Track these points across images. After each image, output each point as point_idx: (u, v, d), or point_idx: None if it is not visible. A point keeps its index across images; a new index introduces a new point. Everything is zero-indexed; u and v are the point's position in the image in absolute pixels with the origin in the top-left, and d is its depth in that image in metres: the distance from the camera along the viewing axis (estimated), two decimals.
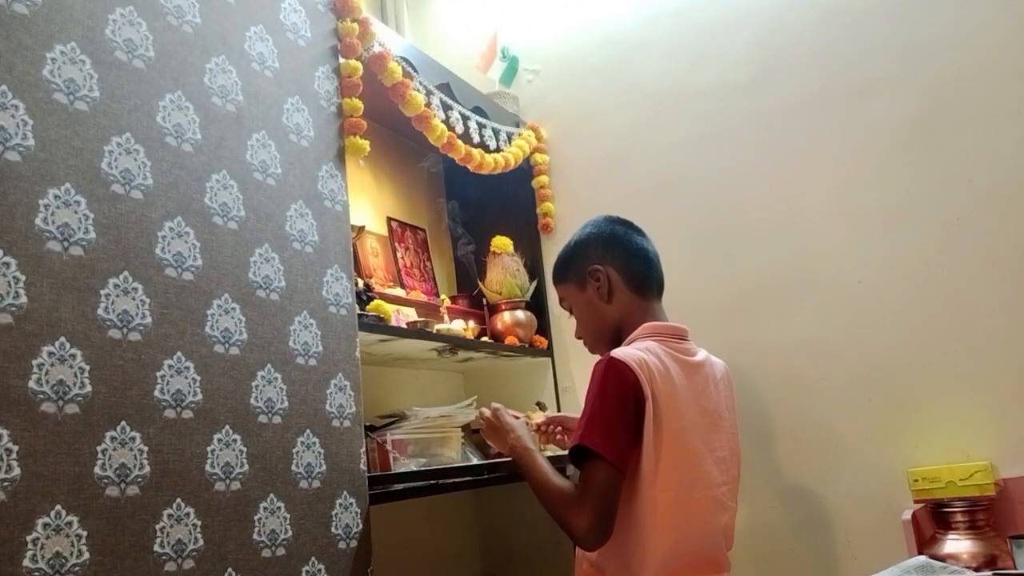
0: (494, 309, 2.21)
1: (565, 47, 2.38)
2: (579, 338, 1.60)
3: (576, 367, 2.25)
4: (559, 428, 1.77)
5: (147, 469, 1.13)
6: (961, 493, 1.60)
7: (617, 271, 1.51)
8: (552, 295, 2.29)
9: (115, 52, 1.21)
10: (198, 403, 1.22)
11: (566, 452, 1.44)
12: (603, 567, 1.38)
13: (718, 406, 1.47)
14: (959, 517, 1.57)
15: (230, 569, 1.22)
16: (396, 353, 1.93)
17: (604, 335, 1.53)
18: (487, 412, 1.61)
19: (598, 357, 1.42)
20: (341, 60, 1.66)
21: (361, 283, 1.75)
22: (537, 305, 2.26)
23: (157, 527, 1.13)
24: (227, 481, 1.24)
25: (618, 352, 1.36)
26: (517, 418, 1.61)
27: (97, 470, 1.07)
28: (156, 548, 1.12)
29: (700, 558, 1.38)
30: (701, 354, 1.50)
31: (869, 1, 1.90)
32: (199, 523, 1.19)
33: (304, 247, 1.48)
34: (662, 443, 1.33)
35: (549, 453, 2.04)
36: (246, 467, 1.27)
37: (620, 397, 1.32)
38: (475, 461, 1.78)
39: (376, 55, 1.74)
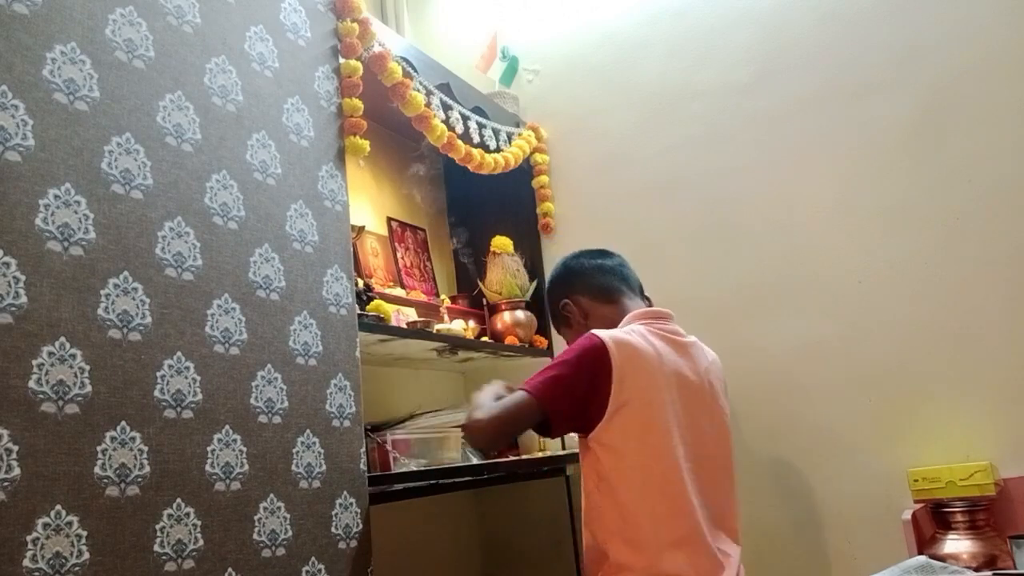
0: (494, 309, 2.21)
1: (565, 47, 2.38)
2: None
3: None
4: None
5: (147, 469, 1.13)
6: (961, 493, 1.60)
7: (583, 295, 1.60)
8: None
9: (115, 52, 1.21)
10: (198, 403, 1.22)
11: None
12: (606, 549, 1.38)
13: (708, 383, 1.50)
14: (959, 517, 1.58)
15: (230, 569, 1.22)
16: (396, 353, 1.92)
17: None
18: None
19: None
20: (341, 60, 1.66)
21: (361, 283, 1.75)
22: (537, 305, 2.26)
23: (157, 527, 1.13)
24: (227, 481, 1.24)
25: (601, 331, 1.40)
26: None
27: (97, 470, 1.07)
28: (156, 548, 1.12)
29: (687, 529, 1.40)
30: (690, 338, 1.54)
31: (869, 1, 1.90)
32: (199, 523, 1.19)
33: (304, 247, 1.48)
34: (653, 415, 1.36)
35: (544, 454, 2.04)
36: (246, 467, 1.27)
37: (583, 370, 1.36)
38: (475, 461, 1.78)
39: (376, 55, 1.74)
